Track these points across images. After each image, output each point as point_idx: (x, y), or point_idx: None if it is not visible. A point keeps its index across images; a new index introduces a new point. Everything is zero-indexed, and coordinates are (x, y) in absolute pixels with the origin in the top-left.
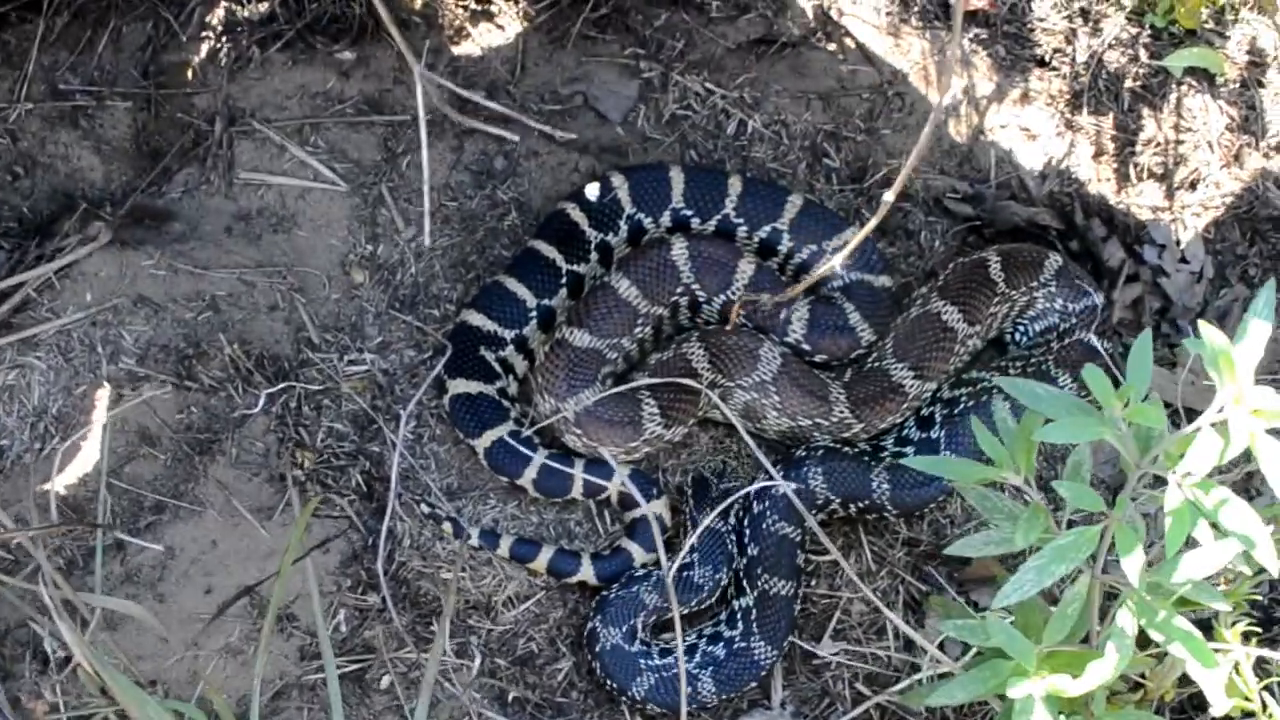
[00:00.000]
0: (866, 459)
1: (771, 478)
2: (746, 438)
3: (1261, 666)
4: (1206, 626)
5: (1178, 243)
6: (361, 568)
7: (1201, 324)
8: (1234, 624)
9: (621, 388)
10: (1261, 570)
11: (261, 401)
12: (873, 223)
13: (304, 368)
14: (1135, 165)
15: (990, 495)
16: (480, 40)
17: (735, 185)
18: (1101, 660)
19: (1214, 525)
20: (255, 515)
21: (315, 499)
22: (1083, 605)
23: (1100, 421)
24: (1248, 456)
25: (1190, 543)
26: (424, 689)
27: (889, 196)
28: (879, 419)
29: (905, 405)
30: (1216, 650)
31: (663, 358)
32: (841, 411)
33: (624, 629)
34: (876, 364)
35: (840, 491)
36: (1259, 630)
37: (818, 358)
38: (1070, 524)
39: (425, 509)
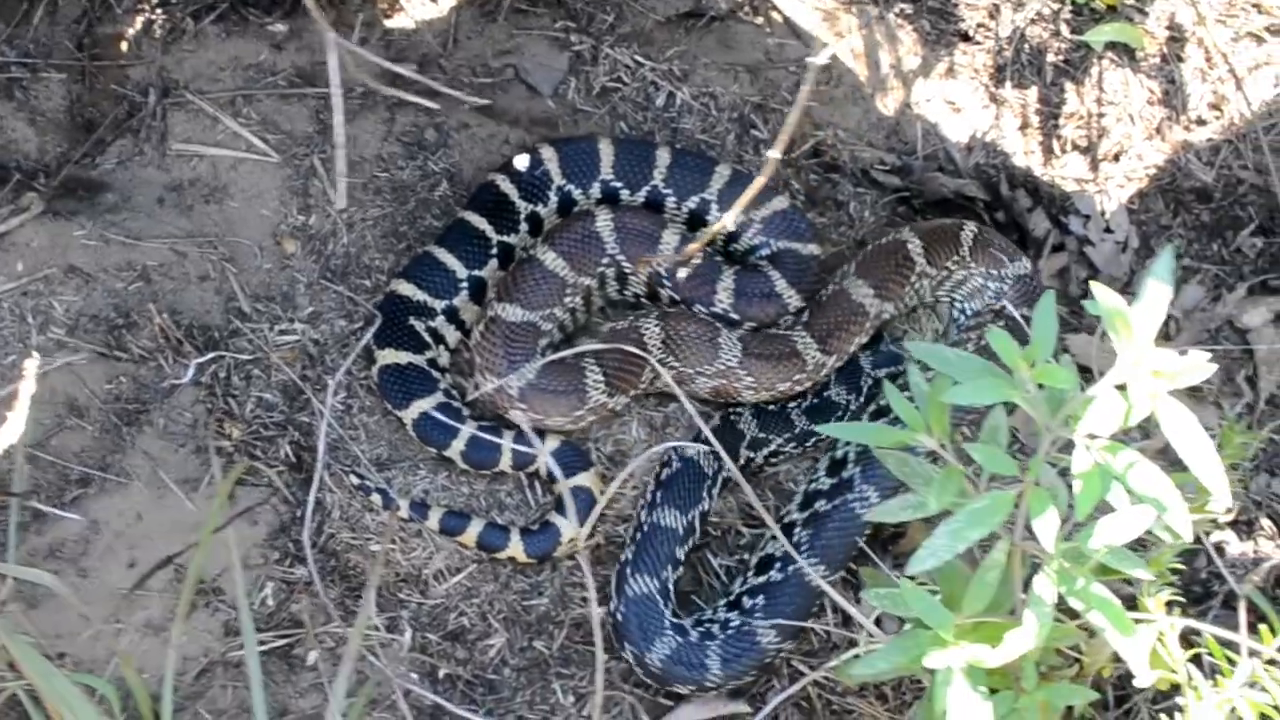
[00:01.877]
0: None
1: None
2: (690, 408)
3: (1192, 638)
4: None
5: (1102, 213)
6: (290, 540)
7: (1095, 285)
8: (1158, 593)
9: (563, 353)
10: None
11: (191, 371)
12: (759, 181)
13: (234, 338)
14: (1059, 138)
15: (910, 460)
16: (413, 13)
17: (664, 157)
18: (1020, 629)
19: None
20: (182, 487)
21: (238, 469)
22: (1002, 573)
23: (1008, 383)
24: None
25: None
26: (345, 662)
27: (774, 153)
28: (846, 345)
29: (868, 325)
30: (1141, 620)
31: (617, 327)
32: (814, 355)
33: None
34: (839, 283)
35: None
36: (1183, 600)
37: (745, 325)
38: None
39: (354, 480)
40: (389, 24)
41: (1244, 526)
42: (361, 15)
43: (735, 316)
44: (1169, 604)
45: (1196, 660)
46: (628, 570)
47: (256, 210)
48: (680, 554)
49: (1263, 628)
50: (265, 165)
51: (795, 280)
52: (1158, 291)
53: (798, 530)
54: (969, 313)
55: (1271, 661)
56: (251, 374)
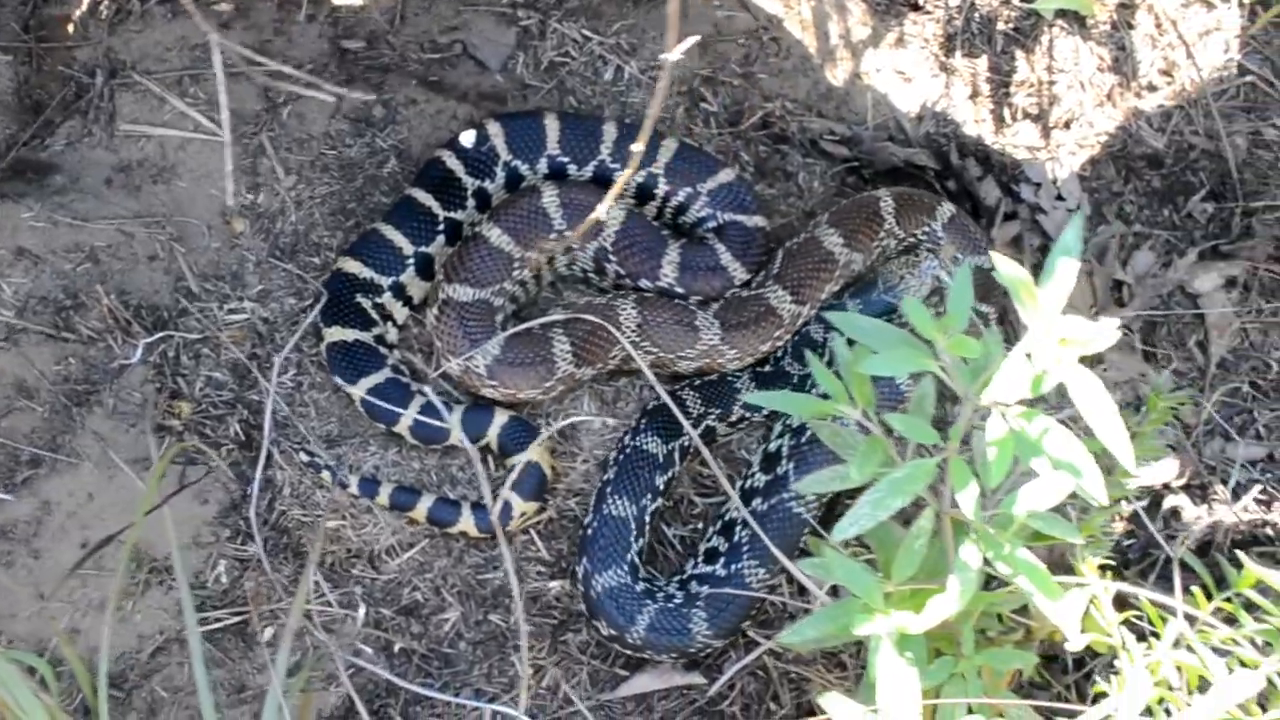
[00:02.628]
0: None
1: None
2: (657, 386)
3: (1128, 602)
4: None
5: (1054, 181)
6: (241, 518)
7: (994, 254)
8: (1090, 557)
9: (528, 324)
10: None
11: (139, 351)
12: (639, 144)
13: (183, 317)
14: (1010, 106)
15: (841, 431)
16: None
17: (610, 131)
18: (944, 594)
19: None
20: (132, 467)
21: (175, 447)
22: (929, 540)
23: (924, 353)
24: None
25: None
26: (286, 637)
27: (637, 146)
28: (817, 290)
29: (837, 273)
30: (1073, 585)
31: (593, 301)
32: (788, 306)
33: None
34: (810, 231)
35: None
36: (1122, 565)
37: (692, 299)
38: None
39: (304, 457)
40: (336, 1)
41: (1198, 491)
42: None
43: (680, 290)
44: (1103, 567)
45: (1129, 623)
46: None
47: (205, 189)
48: (636, 546)
49: (1196, 590)
50: (213, 145)
51: (740, 253)
52: (1066, 264)
53: (738, 530)
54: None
55: (1209, 625)
56: (201, 353)
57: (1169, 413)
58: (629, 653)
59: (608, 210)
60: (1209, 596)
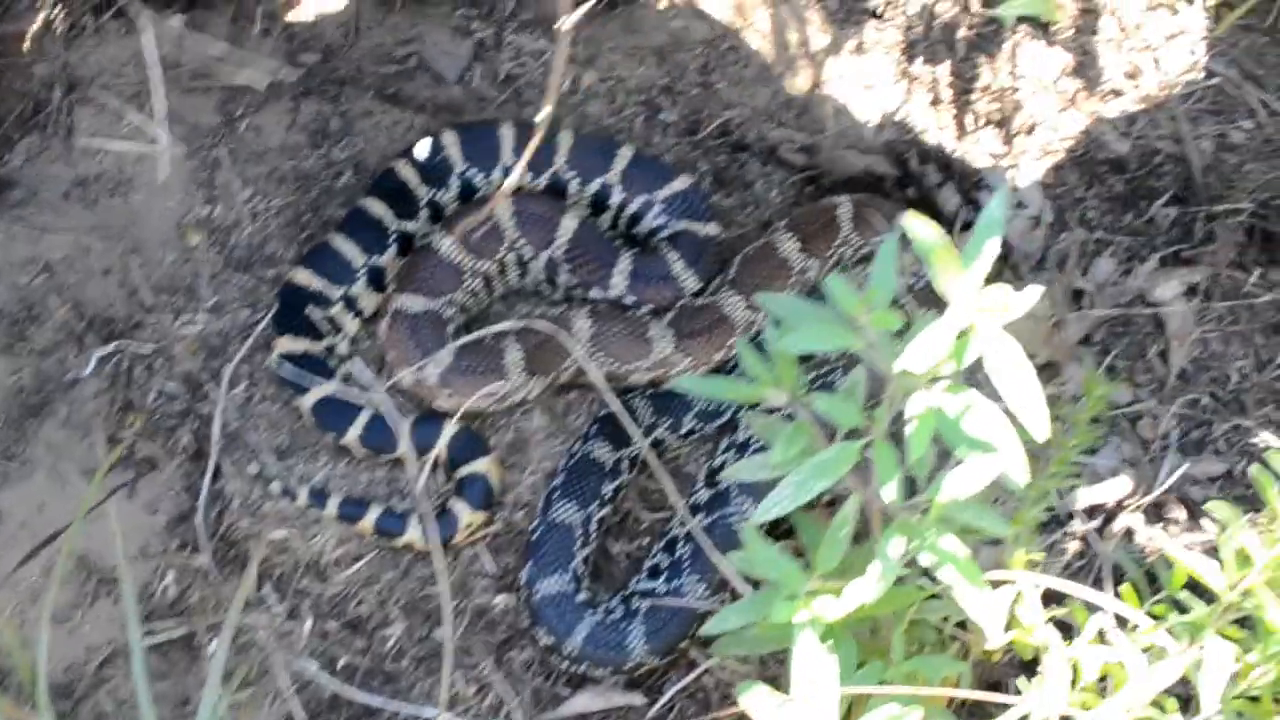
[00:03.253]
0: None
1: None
2: (609, 396)
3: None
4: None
5: (1015, 188)
6: (190, 529)
7: (908, 215)
8: (1020, 551)
9: (480, 333)
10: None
11: (92, 363)
12: (532, 144)
13: (137, 329)
14: (973, 112)
15: (771, 420)
16: (313, 6)
17: (565, 140)
18: (862, 580)
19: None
20: (84, 477)
21: (116, 452)
22: (852, 527)
23: (846, 330)
24: None
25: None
26: (221, 648)
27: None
28: (766, 284)
29: (793, 278)
30: (1002, 582)
31: (549, 315)
32: (742, 311)
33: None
34: (767, 237)
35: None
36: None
37: (643, 308)
38: None
39: (254, 469)
40: (290, 17)
41: (1153, 510)
42: (261, 7)
43: (631, 299)
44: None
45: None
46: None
47: (161, 203)
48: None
49: (1125, 586)
50: (170, 158)
51: (692, 261)
52: (991, 225)
53: (680, 546)
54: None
55: (1133, 624)
56: (154, 365)
57: (1104, 401)
58: (566, 664)
59: (566, 221)
60: (1141, 597)
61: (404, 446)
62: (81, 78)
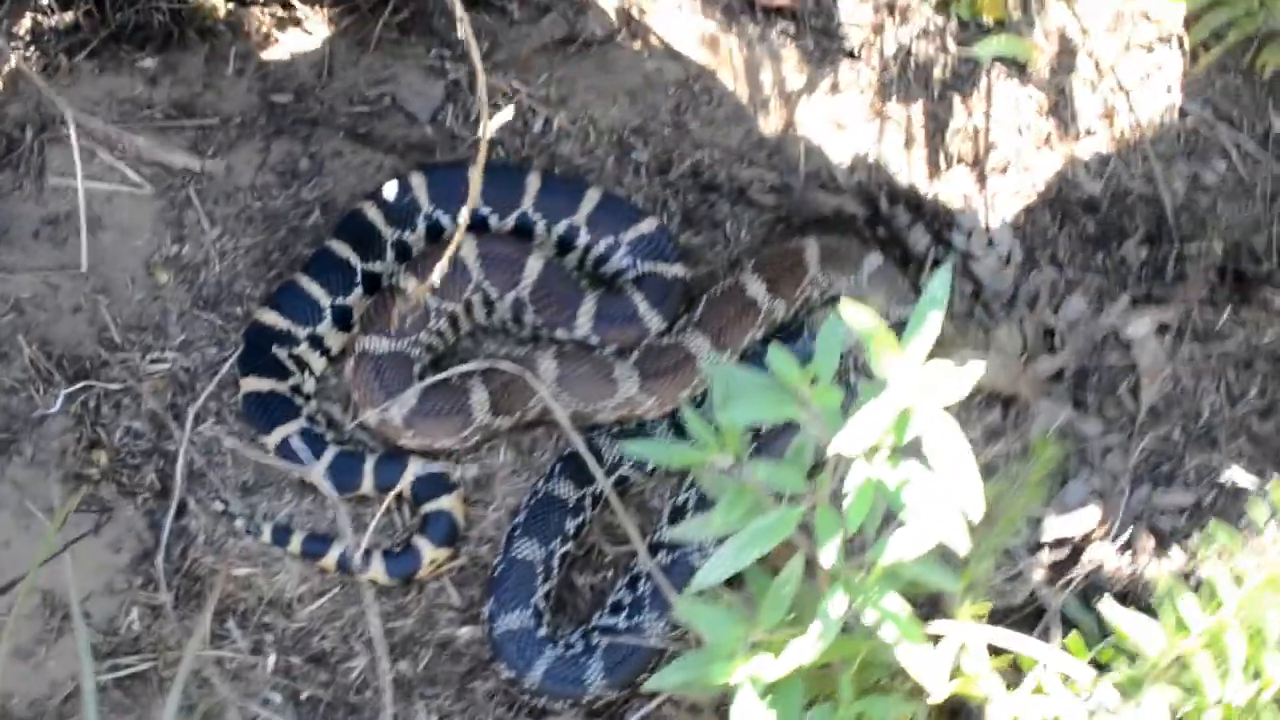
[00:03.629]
0: None
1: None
2: (573, 435)
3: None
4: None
5: (986, 227)
6: (153, 565)
7: (843, 303)
8: (968, 604)
9: (446, 373)
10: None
11: (60, 401)
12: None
13: (105, 367)
14: (946, 152)
15: (721, 479)
16: (288, 45)
17: (533, 182)
18: (803, 639)
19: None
20: (49, 515)
21: (76, 497)
22: (798, 585)
23: (789, 401)
24: None
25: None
26: (176, 684)
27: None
28: (738, 336)
29: (759, 319)
30: (943, 635)
31: (514, 355)
32: (706, 346)
33: None
34: (735, 277)
35: None
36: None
37: (607, 348)
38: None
39: (218, 506)
40: (265, 55)
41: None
42: (235, 48)
43: (595, 340)
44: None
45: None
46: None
47: (130, 241)
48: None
49: (1070, 637)
50: (139, 197)
51: (657, 302)
52: (934, 311)
53: (642, 583)
54: None
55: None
56: (121, 403)
57: (1053, 461)
58: (526, 698)
59: (531, 262)
60: (1089, 642)
61: (369, 485)
62: (53, 117)
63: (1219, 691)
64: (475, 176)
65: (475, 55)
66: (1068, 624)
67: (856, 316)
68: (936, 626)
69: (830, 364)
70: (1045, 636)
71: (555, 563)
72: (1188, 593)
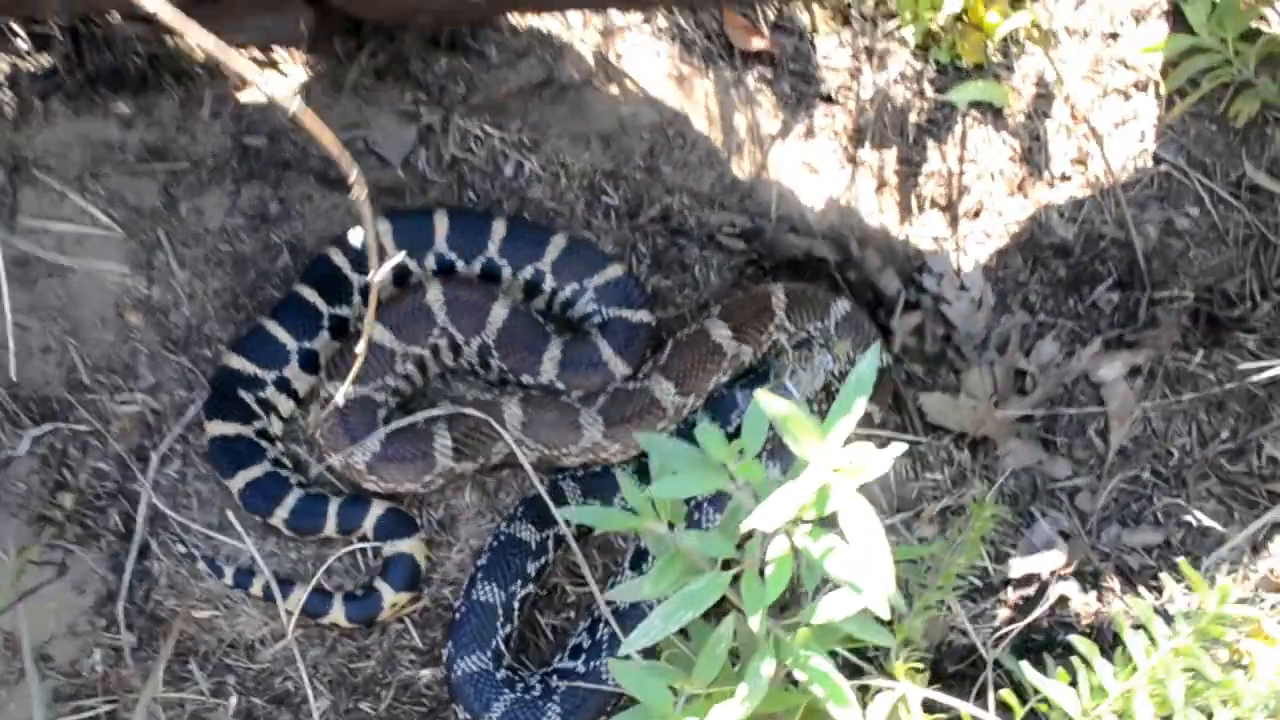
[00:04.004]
0: None
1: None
2: (535, 480)
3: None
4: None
5: (958, 271)
6: (115, 608)
7: (758, 394)
8: (902, 660)
9: (406, 420)
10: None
11: (27, 443)
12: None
13: (74, 409)
14: (918, 196)
15: (665, 539)
16: (266, 87)
17: (499, 228)
18: (729, 701)
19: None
20: (15, 556)
21: (28, 551)
22: (729, 644)
23: (719, 475)
24: None
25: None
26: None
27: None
28: (703, 381)
29: (725, 364)
30: (881, 689)
31: (481, 398)
32: (672, 397)
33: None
34: (700, 323)
35: None
36: (922, 667)
37: (573, 394)
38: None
39: (182, 548)
40: (242, 98)
41: (1090, 578)
42: (211, 91)
43: (560, 386)
44: (916, 670)
45: None
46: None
47: (101, 283)
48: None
49: (1005, 692)
50: (110, 239)
51: (622, 348)
52: (859, 397)
53: (601, 628)
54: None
55: None
56: (88, 444)
57: (989, 522)
58: None
59: (496, 308)
60: (1025, 697)
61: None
62: (26, 159)
63: None
64: (367, 325)
65: None
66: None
67: (772, 404)
68: (875, 681)
69: (758, 439)
70: (983, 689)
71: (516, 605)
72: (1099, 658)
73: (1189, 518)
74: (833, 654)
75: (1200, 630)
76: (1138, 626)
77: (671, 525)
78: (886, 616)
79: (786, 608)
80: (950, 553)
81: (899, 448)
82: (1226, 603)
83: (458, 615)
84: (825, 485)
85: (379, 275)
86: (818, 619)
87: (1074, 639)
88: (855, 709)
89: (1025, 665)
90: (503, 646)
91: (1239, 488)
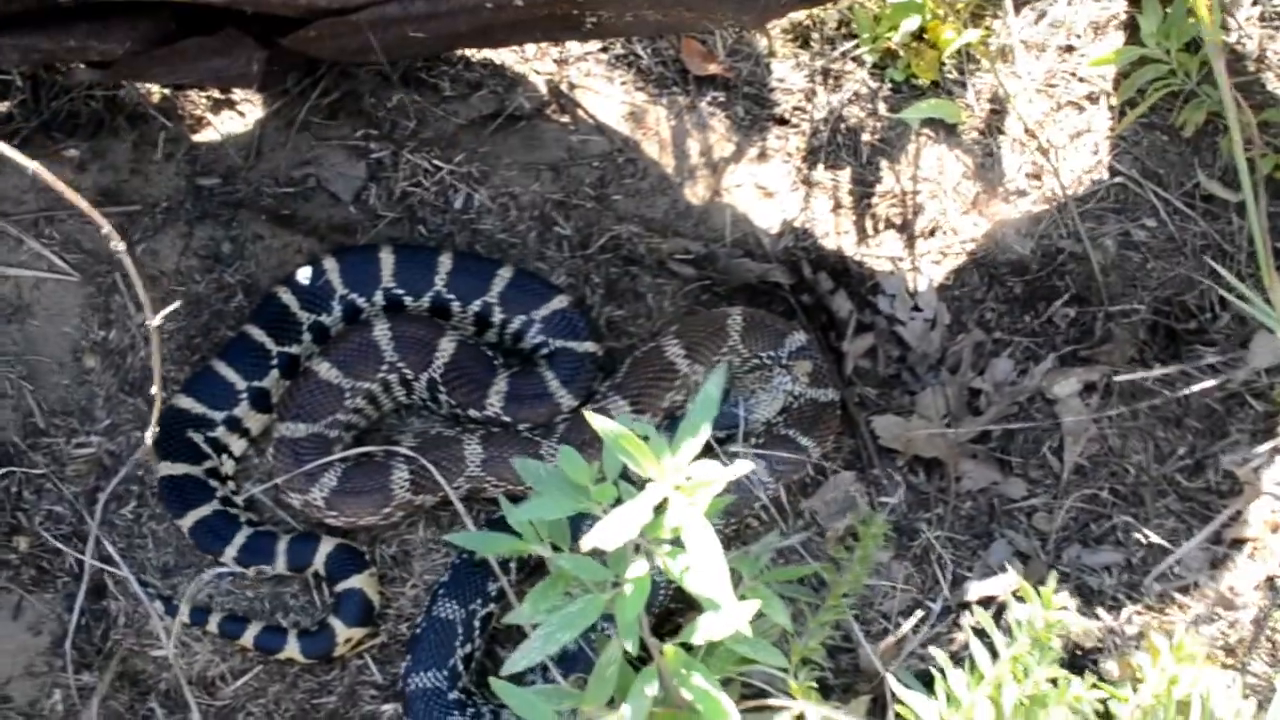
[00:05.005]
0: None
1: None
2: (467, 518)
3: None
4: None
5: (912, 292)
6: (73, 647)
7: (587, 413)
8: (801, 679)
9: (357, 451)
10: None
11: None
12: None
13: (30, 452)
14: (873, 216)
15: (565, 562)
16: (220, 127)
17: (445, 262)
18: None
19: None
20: None
21: None
22: (618, 668)
23: (579, 498)
24: None
25: None
26: None
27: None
28: (657, 399)
29: (678, 382)
30: (782, 707)
31: (442, 433)
32: (625, 409)
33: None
34: (655, 341)
35: None
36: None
37: (520, 426)
38: None
39: (136, 587)
40: (195, 138)
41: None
42: (165, 133)
43: (507, 419)
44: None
45: None
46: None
47: (58, 327)
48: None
49: (900, 707)
50: (67, 284)
51: (568, 379)
52: (704, 404)
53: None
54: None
55: None
56: (43, 487)
57: (879, 539)
58: None
59: (443, 343)
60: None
61: (281, 565)
62: None
63: None
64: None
65: None
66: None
67: (603, 425)
68: (775, 701)
69: (616, 464)
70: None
71: (476, 624)
72: (955, 670)
73: (1144, 537)
74: (728, 680)
75: (1037, 638)
76: (980, 634)
77: (557, 548)
78: (726, 634)
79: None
80: (855, 571)
81: (744, 466)
82: (1051, 610)
83: (418, 631)
84: (662, 503)
85: None
86: (696, 639)
87: (934, 651)
88: None
89: (891, 679)
90: (460, 666)
91: (1196, 504)
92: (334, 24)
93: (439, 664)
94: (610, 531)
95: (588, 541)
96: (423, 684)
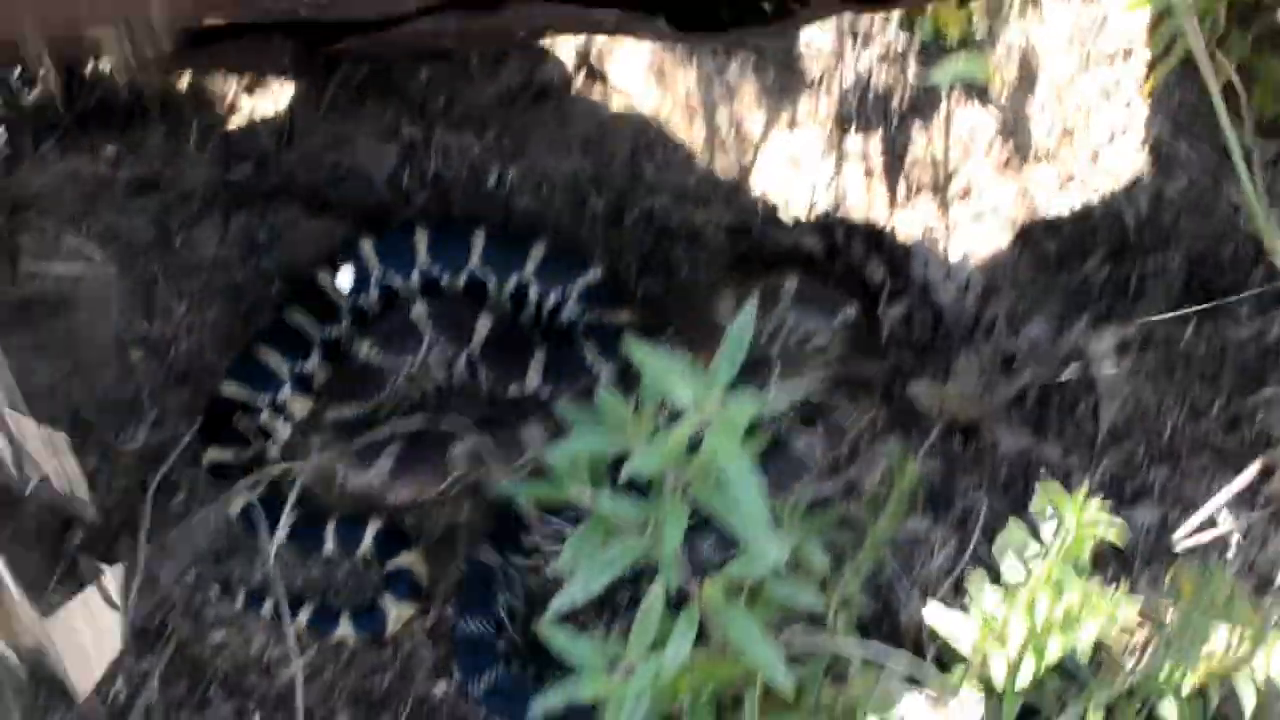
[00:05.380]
0: None
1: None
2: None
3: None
4: None
5: (945, 255)
6: (136, 635)
7: (630, 341)
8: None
9: (373, 432)
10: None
11: (34, 482)
12: None
13: (80, 447)
14: (906, 181)
15: (603, 503)
16: (251, 112)
17: (479, 239)
18: (654, 660)
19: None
20: (30, 592)
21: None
22: (659, 612)
23: (619, 434)
24: None
25: None
26: None
27: None
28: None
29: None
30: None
31: (505, 416)
32: None
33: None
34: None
35: None
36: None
37: (560, 400)
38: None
39: (192, 575)
40: (227, 124)
41: None
42: (197, 121)
43: (546, 394)
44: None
45: None
46: None
47: (101, 321)
48: None
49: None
50: (107, 278)
51: (605, 350)
52: (738, 334)
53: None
54: None
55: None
56: (95, 480)
57: (912, 481)
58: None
59: (481, 321)
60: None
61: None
62: (24, 202)
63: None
64: None
65: None
66: None
67: (646, 355)
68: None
69: (655, 396)
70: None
71: (515, 574)
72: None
73: (1185, 494)
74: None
75: (1067, 550)
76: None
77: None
78: (771, 565)
79: None
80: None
81: (785, 396)
82: (1085, 516)
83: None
84: (700, 432)
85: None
86: (735, 572)
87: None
88: (778, 665)
89: (926, 608)
90: (504, 616)
91: (1233, 460)
92: (369, 40)
93: (484, 611)
94: (643, 459)
95: (626, 470)
96: (468, 630)
